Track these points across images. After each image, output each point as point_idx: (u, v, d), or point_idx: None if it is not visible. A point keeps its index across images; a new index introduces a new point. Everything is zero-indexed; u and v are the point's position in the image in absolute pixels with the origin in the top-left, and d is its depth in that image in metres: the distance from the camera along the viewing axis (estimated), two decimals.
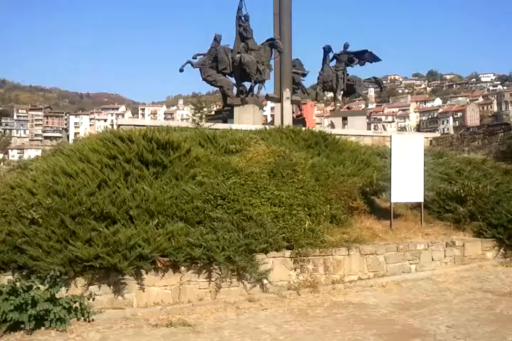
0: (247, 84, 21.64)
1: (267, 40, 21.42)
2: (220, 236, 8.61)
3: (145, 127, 13.04)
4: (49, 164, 10.23)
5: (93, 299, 7.61)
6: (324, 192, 11.05)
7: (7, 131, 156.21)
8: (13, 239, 8.04)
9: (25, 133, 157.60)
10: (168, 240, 8.36)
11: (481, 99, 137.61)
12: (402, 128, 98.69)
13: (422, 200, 11.46)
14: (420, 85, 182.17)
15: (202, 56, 21.67)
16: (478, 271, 10.35)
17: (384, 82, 59.28)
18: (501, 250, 11.07)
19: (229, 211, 9.34)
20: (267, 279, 8.81)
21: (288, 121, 21.15)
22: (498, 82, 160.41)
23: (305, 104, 40.56)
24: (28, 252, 7.85)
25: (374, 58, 24.92)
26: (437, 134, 27.49)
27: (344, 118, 24.35)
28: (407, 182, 11.32)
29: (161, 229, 8.56)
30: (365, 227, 10.78)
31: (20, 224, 8.23)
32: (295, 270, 9.16)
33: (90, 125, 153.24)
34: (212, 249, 8.36)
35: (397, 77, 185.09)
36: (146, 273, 8.19)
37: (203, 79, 21.76)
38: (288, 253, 9.17)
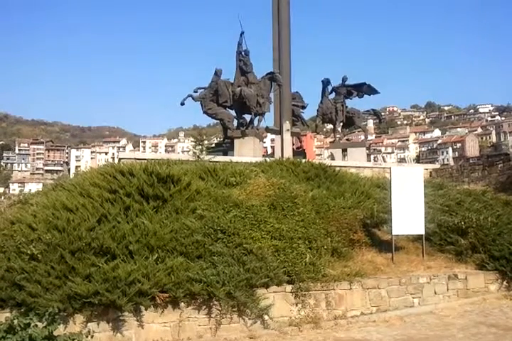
0: (248, 117, 21.85)
1: (267, 74, 21.74)
2: (220, 270, 8.54)
3: (146, 160, 13.13)
4: (50, 199, 10.24)
5: (91, 336, 7.44)
6: (325, 224, 11.01)
7: (8, 164, 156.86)
8: (12, 275, 7.98)
9: (26, 166, 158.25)
10: (167, 275, 8.29)
11: (479, 130, 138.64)
12: (402, 160, 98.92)
13: (423, 232, 11.41)
14: (419, 117, 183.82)
15: (203, 90, 21.95)
16: (481, 305, 10.20)
17: (382, 113, 60.00)
18: (504, 283, 10.95)
19: (229, 245, 9.30)
20: (267, 315, 8.68)
21: (288, 153, 21.26)
22: (496, 113, 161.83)
23: (305, 135, 40.94)
24: (27, 289, 7.77)
25: (372, 91, 25.24)
26: (437, 165, 27.54)
27: (344, 150, 24.49)
28: (408, 215, 11.28)
29: (160, 264, 8.50)
30: (366, 260, 10.70)
31: (20, 260, 8.18)
32: (296, 305, 9.04)
33: (91, 158, 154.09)
34: (213, 284, 8.27)
35: (395, 109, 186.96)
36: (146, 309, 8.08)
37: (204, 112, 21.98)
38: (289, 287, 9.06)
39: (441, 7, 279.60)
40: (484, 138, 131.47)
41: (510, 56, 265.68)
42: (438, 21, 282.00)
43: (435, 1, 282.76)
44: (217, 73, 21.92)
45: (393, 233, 11.25)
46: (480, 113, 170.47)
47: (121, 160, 15.64)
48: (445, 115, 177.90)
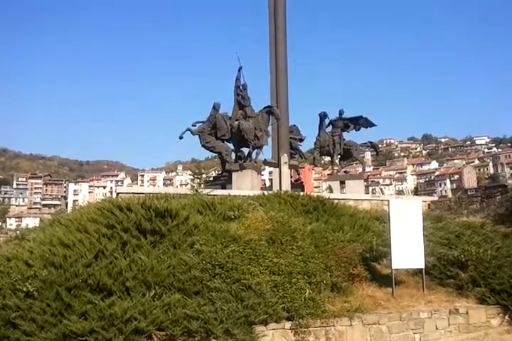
0: (246, 150, 21.97)
1: (265, 108, 22.00)
2: (218, 307, 8.41)
3: (144, 195, 13.10)
4: (47, 234, 10.21)
5: None
6: (324, 258, 10.92)
7: (6, 199, 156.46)
8: (7, 313, 7.86)
9: (23, 201, 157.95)
10: (164, 312, 8.16)
11: (476, 162, 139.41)
12: (400, 192, 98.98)
13: (423, 266, 11.31)
14: (416, 148, 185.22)
15: (201, 123, 22.17)
16: (483, 340, 10.02)
17: (380, 145, 60.57)
18: (506, 317, 10.78)
19: (227, 280, 9.19)
20: None
21: (286, 185, 21.28)
22: (493, 145, 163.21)
23: (303, 168, 41.04)
24: (22, 327, 7.64)
25: (369, 124, 25.48)
26: (435, 198, 27.55)
27: (342, 182, 24.52)
28: (408, 248, 11.21)
29: (157, 300, 8.38)
30: (366, 295, 10.56)
31: (15, 298, 8.08)
32: None
33: (89, 192, 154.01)
34: (210, 322, 8.13)
35: (392, 141, 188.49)
36: None
37: (202, 146, 22.13)
38: (288, 324, 8.91)
39: (437, 41, 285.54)
40: (482, 169, 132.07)
41: (506, 89, 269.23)
42: (433, 55, 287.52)
43: (430, 35, 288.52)
44: (215, 107, 22.19)
45: (393, 267, 11.14)
46: (477, 145, 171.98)
47: (119, 195, 15.61)
48: (442, 147, 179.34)
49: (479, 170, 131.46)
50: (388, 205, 11.90)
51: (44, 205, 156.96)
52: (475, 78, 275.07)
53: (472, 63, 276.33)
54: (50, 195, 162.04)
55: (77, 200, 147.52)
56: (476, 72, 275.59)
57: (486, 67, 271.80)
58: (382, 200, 19.66)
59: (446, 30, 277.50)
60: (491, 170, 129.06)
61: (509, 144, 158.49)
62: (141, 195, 13.69)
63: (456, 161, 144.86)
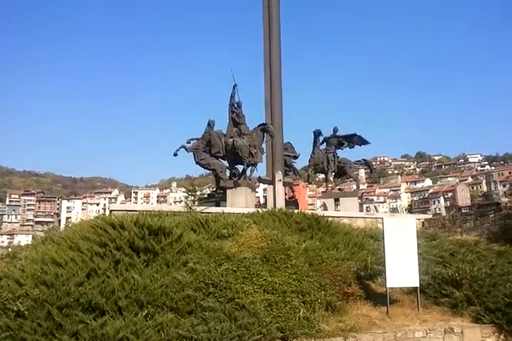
0: (240, 167, 22.04)
1: (259, 125, 22.12)
2: (211, 327, 8.30)
3: (137, 212, 13.06)
4: (39, 253, 10.12)
5: None
6: (318, 277, 10.85)
7: None
8: None
9: (16, 218, 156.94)
10: (157, 332, 8.06)
11: (470, 179, 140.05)
12: (394, 209, 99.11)
13: (417, 285, 11.25)
14: (409, 166, 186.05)
15: (195, 141, 22.26)
16: None
17: (373, 163, 60.83)
18: (501, 336, 10.66)
19: (221, 299, 9.11)
20: None
21: (281, 203, 21.26)
22: (486, 163, 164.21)
23: (297, 185, 41.09)
24: None
25: (363, 141, 25.65)
26: (429, 215, 27.58)
27: (336, 200, 24.56)
28: (402, 266, 11.17)
29: (150, 320, 8.28)
30: (361, 314, 10.47)
31: (5, 317, 7.96)
32: None
33: (82, 209, 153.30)
34: None
35: (386, 159, 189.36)
36: None
37: (197, 163, 22.19)
38: None
39: (430, 58, 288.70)
40: (475, 187, 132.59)
41: (498, 107, 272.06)
42: (426, 72, 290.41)
43: (423, 53, 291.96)
44: (210, 124, 22.32)
45: (388, 285, 11.08)
46: (470, 162, 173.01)
47: (113, 212, 15.55)
48: (435, 165, 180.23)
49: (473, 187, 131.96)
50: (382, 223, 11.88)
51: (37, 222, 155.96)
52: (468, 96, 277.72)
53: (465, 81, 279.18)
54: (43, 212, 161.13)
55: (70, 217, 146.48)
56: (469, 90, 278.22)
57: (479, 85, 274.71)
58: (376, 218, 19.67)
59: (441, 46, 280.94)
60: (485, 188, 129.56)
61: (502, 162, 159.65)
62: (134, 212, 13.65)
63: (449, 179, 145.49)
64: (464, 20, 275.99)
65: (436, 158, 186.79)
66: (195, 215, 13.56)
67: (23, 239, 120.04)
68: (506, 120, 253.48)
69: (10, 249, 14.11)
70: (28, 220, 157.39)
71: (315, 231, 14.14)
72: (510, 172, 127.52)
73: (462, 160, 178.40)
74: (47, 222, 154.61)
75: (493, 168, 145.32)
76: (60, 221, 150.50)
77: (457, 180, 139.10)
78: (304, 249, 12.00)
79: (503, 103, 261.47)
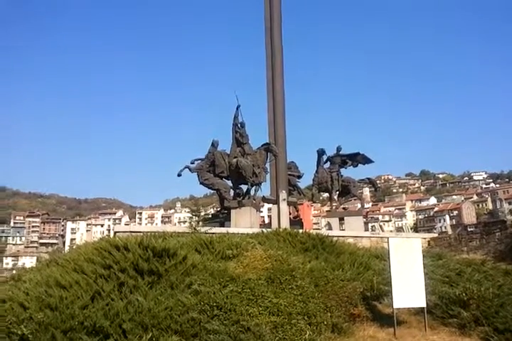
0: (244, 187, 22.02)
1: (263, 145, 22.20)
2: None
3: (141, 233, 13.06)
4: (43, 275, 10.11)
5: None
6: (324, 298, 10.76)
7: (3, 238, 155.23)
8: None
9: (21, 239, 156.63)
10: None
11: (475, 197, 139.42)
12: (400, 228, 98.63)
13: (424, 305, 11.13)
14: (414, 184, 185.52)
15: (199, 161, 22.32)
16: None
17: (378, 181, 60.80)
18: None
19: (225, 322, 9.03)
20: None
21: (285, 222, 21.23)
22: (491, 180, 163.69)
23: (301, 204, 41.00)
24: None
25: (366, 160, 25.67)
26: (435, 234, 27.39)
27: (341, 219, 24.50)
28: (408, 287, 11.06)
29: None
30: (368, 336, 10.34)
31: None
32: None
33: (87, 230, 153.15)
34: None
35: (390, 177, 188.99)
36: None
37: (201, 183, 22.21)
38: None
39: (433, 76, 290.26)
40: (480, 205, 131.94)
41: (501, 124, 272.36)
42: (429, 89, 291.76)
43: (425, 71, 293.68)
44: (214, 144, 22.41)
45: (394, 306, 10.96)
46: (474, 180, 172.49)
47: (117, 234, 15.54)
48: (440, 183, 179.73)
49: (478, 205, 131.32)
50: (388, 243, 11.81)
51: (41, 244, 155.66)
52: (471, 113, 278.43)
53: (468, 99, 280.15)
54: (47, 234, 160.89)
55: (74, 239, 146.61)
56: (472, 108, 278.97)
57: (483, 102, 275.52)
58: (381, 237, 19.57)
59: (444, 62, 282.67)
60: (490, 206, 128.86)
61: (507, 179, 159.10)
62: (138, 233, 13.65)
63: (454, 197, 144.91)
64: (471, 35, 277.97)
65: (441, 176, 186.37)
66: (199, 236, 13.54)
67: (28, 261, 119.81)
68: (510, 137, 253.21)
69: (14, 271, 14.06)
70: (32, 242, 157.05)
71: (320, 251, 14.07)
72: None
73: (467, 178, 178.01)
74: (51, 244, 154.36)
75: (498, 185, 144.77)
76: (64, 242, 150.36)
77: (462, 198, 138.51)
78: (309, 269, 11.93)
79: (506, 120, 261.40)
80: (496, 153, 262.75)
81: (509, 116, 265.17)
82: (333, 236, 16.24)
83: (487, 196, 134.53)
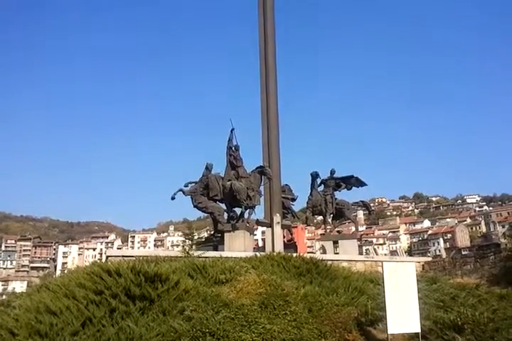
0: (238, 210, 21.98)
1: (257, 168, 22.25)
2: None
3: (134, 258, 12.96)
4: (33, 301, 9.98)
5: None
6: (318, 324, 10.65)
7: None
8: None
9: (11, 263, 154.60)
10: None
11: (468, 220, 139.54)
12: (394, 252, 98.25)
13: (419, 330, 11.01)
14: (408, 207, 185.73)
15: (193, 184, 22.30)
16: None
17: (372, 204, 60.83)
18: None
19: None
20: None
21: (279, 246, 21.14)
22: (484, 203, 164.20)
23: (295, 227, 40.85)
24: None
25: (360, 183, 25.74)
26: (429, 258, 27.31)
27: (335, 242, 24.42)
28: (403, 312, 10.96)
29: None
30: None
31: None
32: None
33: (79, 254, 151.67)
34: None
35: (384, 200, 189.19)
36: None
37: (195, 206, 22.15)
38: None
39: (423, 103, 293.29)
40: (474, 228, 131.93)
41: (494, 147, 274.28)
42: (421, 113, 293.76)
43: (415, 96, 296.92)
44: (208, 167, 22.45)
45: (389, 332, 10.85)
46: (468, 203, 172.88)
47: (109, 258, 15.42)
48: (433, 206, 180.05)
49: (472, 228, 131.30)
50: (382, 267, 11.76)
51: (32, 268, 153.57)
52: (463, 136, 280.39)
53: (461, 122, 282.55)
54: (39, 258, 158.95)
55: (66, 263, 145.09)
56: (464, 131, 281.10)
57: (475, 126, 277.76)
58: (376, 261, 19.51)
59: (435, 86, 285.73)
60: (484, 229, 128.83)
61: (499, 202, 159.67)
62: (131, 258, 13.55)
63: (448, 220, 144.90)
64: (461, 62, 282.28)
65: (434, 198, 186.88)
66: (192, 260, 13.45)
67: (18, 286, 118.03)
68: (503, 161, 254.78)
69: (4, 296, 13.87)
70: (23, 266, 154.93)
71: (314, 276, 13.98)
72: (508, 213, 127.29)
73: (460, 201, 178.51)
74: (42, 268, 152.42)
75: (491, 208, 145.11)
76: (56, 266, 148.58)
77: (456, 221, 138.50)
78: (303, 294, 11.84)
79: (499, 143, 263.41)
80: (489, 176, 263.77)
81: (500, 140, 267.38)
82: (328, 260, 16.17)
83: (480, 219, 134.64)
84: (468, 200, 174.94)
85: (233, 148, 22.54)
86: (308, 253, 26.59)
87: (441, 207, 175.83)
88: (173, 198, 21.91)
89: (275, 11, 25.92)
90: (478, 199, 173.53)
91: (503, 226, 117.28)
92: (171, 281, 10.47)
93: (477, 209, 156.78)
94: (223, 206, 22.30)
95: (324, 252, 23.68)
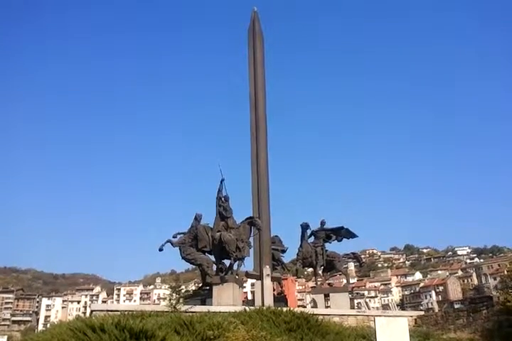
0: (227, 262, 21.64)
1: (246, 219, 22.13)
2: None
3: (119, 312, 12.60)
4: None
5: None
6: None
7: None
8: None
9: None
10: None
11: (460, 272, 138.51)
12: (386, 306, 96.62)
13: None
14: (399, 259, 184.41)
15: (182, 235, 22.06)
16: None
17: (362, 256, 60.02)
18: None
19: None
20: None
21: (269, 299, 20.70)
22: (475, 255, 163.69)
23: (285, 279, 40.18)
24: None
25: (351, 235, 25.63)
26: (421, 312, 26.80)
27: (326, 295, 24.03)
28: None
29: None
30: None
31: None
32: None
33: (63, 307, 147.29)
34: None
35: (375, 251, 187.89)
36: None
37: (183, 258, 21.83)
38: None
39: (410, 155, 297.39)
40: (466, 280, 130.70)
41: (486, 199, 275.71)
42: (409, 166, 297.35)
43: (398, 148, 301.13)
44: (197, 218, 22.29)
45: None
46: (458, 255, 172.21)
47: (94, 312, 14.98)
48: (424, 257, 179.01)
49: (463, 280, 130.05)
50: (374, 322, 11.52)
51: (14, 321, 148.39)
52: (453, 189, 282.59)
53: (450, 174, 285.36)
54: (21, 311, 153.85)
55: (49, 316, 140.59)
56: (455, 183, 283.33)
57: (464, 177, 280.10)
58: (368, 316, 19.13)
59: (422, 137, 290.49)
60: (475, 281, 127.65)
61: (490, 254, 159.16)
62: (116, 312, 13.16)
63: (439, 272, 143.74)
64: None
65: (425, 250, 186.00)
66: (179, 315, 13.10)
67: None
68: (494, 213, 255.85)
69: None
70: (4, 319, 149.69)
71: (305, 332, 13.65)
72: (499, 265, 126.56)
73: (451, 253, 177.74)
74: (24, 321, 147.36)
75: (482, 260, 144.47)
76: (38, 320, 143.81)
77: (447, 273, 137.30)
78: None
79: (489, 196, 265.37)
80: (479, 228, 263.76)
81: (490, 193, 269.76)
82: (319, 315, 15.87)
83: (472, 271, 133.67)
84: (459, 252, 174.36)
85: (223, 199, 22.48)
86: (298, 306, 26.13)
87: (432, 259, 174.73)
88: (161, 250, 21.61)
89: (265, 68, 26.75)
90: (469, 250, 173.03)
91: (495, 279, 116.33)
92: (157, 338, 10.13)
93: (468, 261, 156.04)
94: (212, 257, 21.98)
95: (315, 306, 23.20)
